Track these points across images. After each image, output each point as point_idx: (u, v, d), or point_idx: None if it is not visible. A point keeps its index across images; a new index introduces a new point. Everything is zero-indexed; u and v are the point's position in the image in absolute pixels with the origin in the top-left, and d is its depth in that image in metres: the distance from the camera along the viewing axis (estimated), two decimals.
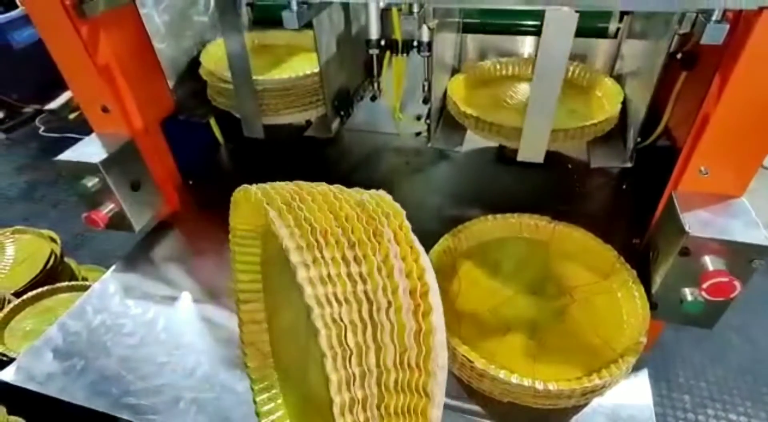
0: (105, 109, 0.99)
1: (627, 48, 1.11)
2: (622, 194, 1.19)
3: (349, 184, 1.34)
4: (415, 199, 1.23)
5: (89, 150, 0.99)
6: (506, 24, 1.16)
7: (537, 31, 1.16)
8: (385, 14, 1.02)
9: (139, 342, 0.89)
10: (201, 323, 0.93)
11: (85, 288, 1.57)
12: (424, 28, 0.92)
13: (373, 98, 1.15)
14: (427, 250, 0.93)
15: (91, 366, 0.85)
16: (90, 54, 0.90)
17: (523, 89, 1.10)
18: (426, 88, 1.09)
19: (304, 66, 1.05)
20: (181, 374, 0.83)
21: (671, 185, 0.84)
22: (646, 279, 0.82)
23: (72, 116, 3.44)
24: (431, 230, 1.04)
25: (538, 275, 0.88)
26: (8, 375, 0.84)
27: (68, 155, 0.98)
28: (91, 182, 0.97)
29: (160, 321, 0.92)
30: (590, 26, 1.04)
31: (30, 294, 1.59)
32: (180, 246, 1.13)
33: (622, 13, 1.08)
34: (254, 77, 0.96)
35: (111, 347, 0.88)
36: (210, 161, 1.39)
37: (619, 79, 1.09)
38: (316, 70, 0.99)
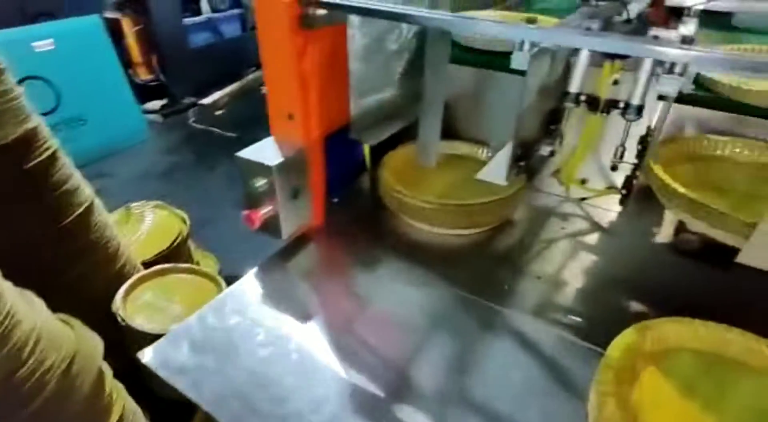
0: (291, 116, 1.00)
1: None
2: None
3: (492, 236, 1.23)
4: (563, 270, 1.09)
5: (266, 152, 1.00)
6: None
7: None
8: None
9: (271, 356, 0.85)
10: (333, 353, 0.87)
11: (203, 273, 1.62)
12: (639, 88, 0.82)
13: (552, 154, 1.06)
14: (558, 322, 0.80)
15: (221, 368, 0.82)
16: (297, 63, 0.92)
17: (750, 176, 0.93)
18: (620, 154, 0.97)
19: None
20: (307, 406, 0.76)
21: None
22: None
23: (218, 113, 3.79)
24: (575, 309, 0.91)
25: (756, 417, 0.69)
26: (146, 356, 0.84)
27: (247, 153, 1.00)
28: (260, 182, 0.98)
29: (293, 340, 0.88)
30: None
31: (157, 268, 1.67)
32: (317, 264, 1.11)
33: None
34: None
35: (243, 354, 0.85)
36: (353, 183, 1.38)
37: None
38: None
